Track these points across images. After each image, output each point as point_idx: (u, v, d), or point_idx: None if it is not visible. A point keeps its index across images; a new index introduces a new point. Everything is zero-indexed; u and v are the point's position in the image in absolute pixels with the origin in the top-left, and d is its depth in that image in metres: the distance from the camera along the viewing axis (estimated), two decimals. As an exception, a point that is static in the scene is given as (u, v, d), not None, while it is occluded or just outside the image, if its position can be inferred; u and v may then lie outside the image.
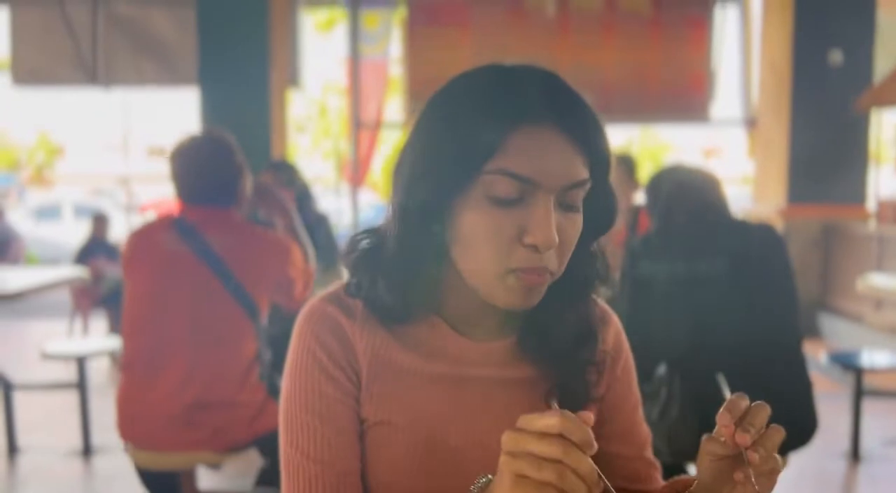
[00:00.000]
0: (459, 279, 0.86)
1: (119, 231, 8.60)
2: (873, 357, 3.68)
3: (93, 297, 5.99)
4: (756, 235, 2.34)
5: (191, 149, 2.17)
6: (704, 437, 0.78)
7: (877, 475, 3.39)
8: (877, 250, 6.01)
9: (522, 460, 0.65)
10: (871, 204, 6.77)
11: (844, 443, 3.53)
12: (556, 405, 0.68)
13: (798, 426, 2.23)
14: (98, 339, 4.90)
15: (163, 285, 2.13)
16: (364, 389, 0.89)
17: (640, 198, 3.46)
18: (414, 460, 0.88)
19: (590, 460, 0.65)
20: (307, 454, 0.87)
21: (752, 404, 0.75)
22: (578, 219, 0.83)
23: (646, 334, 2.15)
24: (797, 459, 2.29)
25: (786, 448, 2.26)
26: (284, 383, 0.90)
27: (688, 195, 2.35)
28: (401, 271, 0.87)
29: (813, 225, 6.49)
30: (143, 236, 2.20)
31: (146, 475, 2.26)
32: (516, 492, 0.66)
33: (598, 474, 0.66)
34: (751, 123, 7.12)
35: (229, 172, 2.17)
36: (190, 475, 2.29)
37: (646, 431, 1.02)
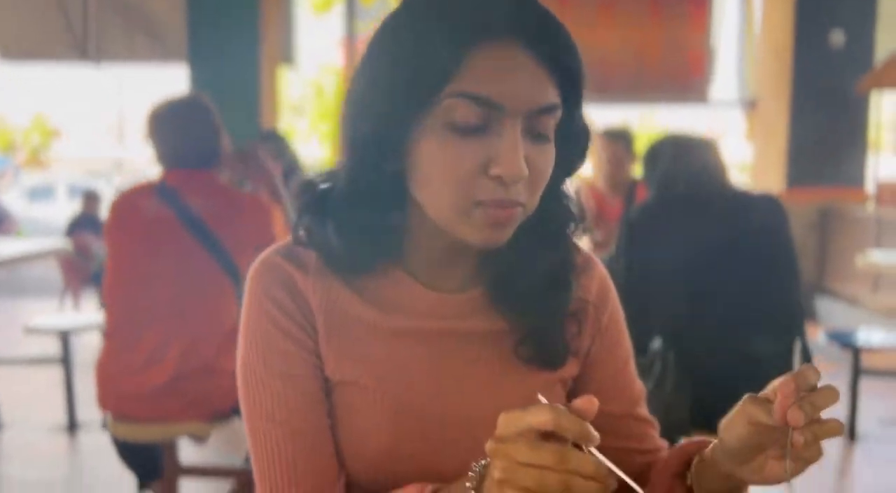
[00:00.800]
0: (422, 225, 0.79)
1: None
2: (871, 336, 3.64)
3: (83, 273, 5.93)
4: (758, 206, 2.27)
5: (167, 112, 2.13)
6: (747, 396, 0.69)
7: (873, 454, 3.35)
8: (875, 232, 5.96)
9: (517, 471, 0.58)
10: (870, 187, 6.71)
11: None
12: (542, 398, 0.62)
13: None
14: (85, 314, 4.85)
15: (144, 251, 2.10)
16: (323, 346, 0.82)
17: (637, 172, 3.41)
18: (382, 421, 0.81)
19: (593, 456, 0.58)
20: (272, 418, 0.80)
21: (824, 386, 0.66)
22: (550, 150, 0.75)
23: (642, 305, 2.09)
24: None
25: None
26: (240, 345, 0.83)
27: (687, 163, 2.28)
28: (353, 215, 0.79)
29: (811, 208, 6.43)
30: (124, 202, 2.16)
31: (126, 449, 2.21)
32: None
33: (610, 467, 0.59)
34: (750, 105, 7.04)
35: (207, 133, 2.13)
36: (172, 448, 2.24)
37: (639, 386, 0.94)
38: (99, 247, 5.76)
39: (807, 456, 0.66)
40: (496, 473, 0.59)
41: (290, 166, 3.40)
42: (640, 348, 2.35)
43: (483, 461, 0.64)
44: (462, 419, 0.82)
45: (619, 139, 3.36)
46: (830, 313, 6.20)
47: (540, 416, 0.58)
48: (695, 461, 0.80)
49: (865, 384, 3.57)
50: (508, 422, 0.59)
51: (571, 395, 0.90)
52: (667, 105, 7.75)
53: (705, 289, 2.17)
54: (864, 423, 3.53)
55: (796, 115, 6.48)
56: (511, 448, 0.58)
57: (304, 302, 0.82)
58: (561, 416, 0.57)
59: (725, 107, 7.50)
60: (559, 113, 0.74)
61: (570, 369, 0.88)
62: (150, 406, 2.06)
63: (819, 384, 0.66)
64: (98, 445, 3.36)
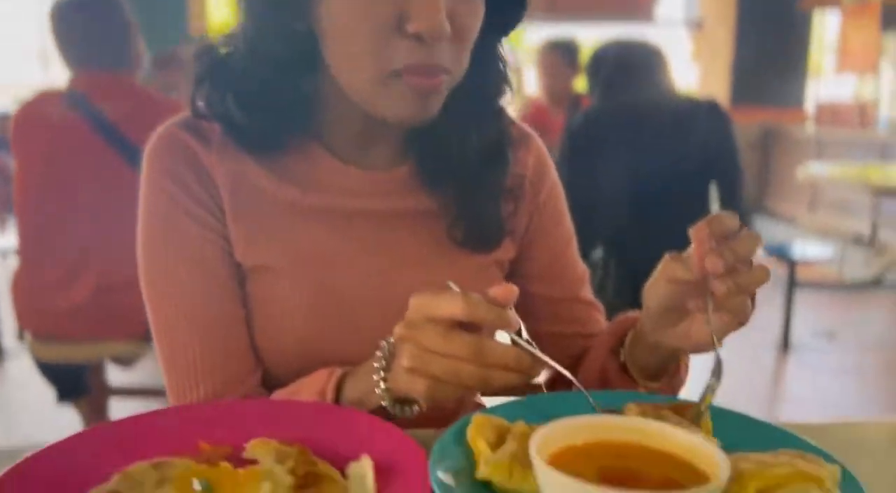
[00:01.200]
0: (338, 95, 0.69)
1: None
2: (805, 250, 3.71)
3: (3, 197, 5.62)
4: (703, 113, 2.22)
5: (70, 7, 1.93)
6: (667, 255, 0.63)
7: (805, 363, 3.45)
8: (815, 151, 6.04)
9: (426, 359, 0.54)
10: (809, 108, 6.79)
11: (775, 334, 3.57)
12: (453, 285, 0.57)
13: None
14: (7, 238, 4.60)
15: (54, 160, 1.94)
16: (231, 228, 0.73)
17: (580, 86, 3.33)
18: (300, 308, 0.73)
19: (512, 344, 0.54)
20: (178, 309, 0.71)
21: (745, 232, 0.60)
22: (477, 4, 0.66)
23: (584, 215, 2.04)
24: (728, 349, 2.25)
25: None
26: (139, 231, 0.74)
27: (631, 70, 2.21)
28: (255, 83, 0.70)
29: (753, 128, 6.48)
30: (29, 111, 1.99)
31: (50, 370, 2.10)
32: (420, 388, 0.56)
33: (537, 354, 0.55)
34: (696, 25, 6.98)
35: (117, 29, 1.95)
36: (98, 369, 2.14)
37: (581, 269, 0.88)
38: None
39: (732, 308, 0.60)
40: (405, 360, 0.55)
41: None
42: (582, 256, 2.32)
43: (390, 339, 0.60)
44: (386, 305, 0.74)
45: (558, 49, 3.26)
46: (769, 231, 6.33)
47: (451, 304, 0.53)
48: (629, 336, 0.75)
49: (800, 297, 3.65)
50: (418, 307, 0.55)
51: (509, 278, 0.84)
52: (613, 24, 7.66)
53: (648, 198, 2.13)
54: (797, 334, 3.62)
55: (741, 35, 6.47)
56: (420, 335, 0.54)
57: (209, 179, 0.73)
58: (474, 305, 0.53)
59: (671, 26, 7.43)
60: None
61: (507, 250, 0.82)
62: (73, 324, 1.95)
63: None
64: (27, 373, 3.24)
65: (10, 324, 3.37)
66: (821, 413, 2.84)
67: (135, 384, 2.57)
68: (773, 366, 3.43)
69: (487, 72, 0.75)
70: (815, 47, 6.89)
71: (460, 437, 0.53)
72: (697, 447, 0.45)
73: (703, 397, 0.59)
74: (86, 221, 1.93)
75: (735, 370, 3.39)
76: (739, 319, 0.61)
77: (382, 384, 0.60)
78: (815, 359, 3.49)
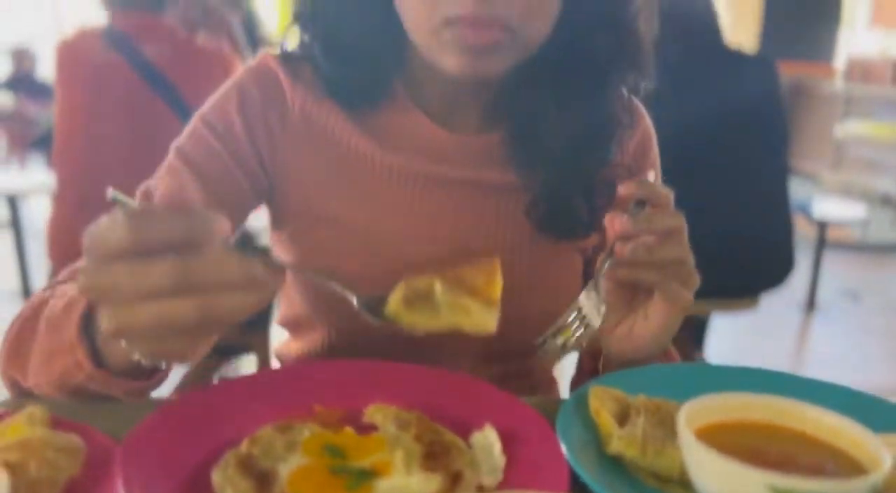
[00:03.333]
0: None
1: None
2: (832, 209, 3.68)
3: (25, 138, 5.61)
4: (751, 73, 2.15)
5: None
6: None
7: (831, 322, 3.44)
8: (842, 108, 5.93)
9: (130, 313, 0.39)
10: (839, 63, 6.63)
11: (801, 294, 3.56)
12: (118, 197, 0.44)
13: (775, 266, 2.17)
14: (32, 177, 4.60)
15: (95, 101, 1.92)
16: (284, 162, 0.71)
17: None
18: (358, 268, 0.70)
19: (245, 258, 0.40)
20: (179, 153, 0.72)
21: (666, 212, 0.57)
22: None
23: None
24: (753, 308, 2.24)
25: (760, 288, 2.20)
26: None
27: (677, 16, 2.12)
28: (340, 32, 0.67)
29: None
30: (70, 48, 1.96)
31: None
32: (141, 349, 0.43)
33: (270, 261, 0.46)
34: (727, -27, 6.78)
35: None
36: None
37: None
38: (38, 112, 5.41)
39: (663, 291, 0.58)
40: (104, 322, 0.40)
41: (250, 17, 3.16)
42: None
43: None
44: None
45: None
46: (791, 189, 6.27)
47: (117, 233, 0.39)
48: (601, 360, 0.71)
49: (825, 257, 3.62)
50: (89, 247, 0.40)
51: (589, 263, 0.78)
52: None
53: (692, 153, 2.09)
54: (823, 294, 3.61)
55: (772, -15, 6.29)
56: (106, 280, 0.39)
57: (278, 109, 0.71)
58: (144, 224, 0.39)
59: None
60: None
61: (592, 238, 0.76)
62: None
63: None
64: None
65: (38, 263, 3.39)
66: (847, 375, 2.85)
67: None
68: (798, 326, 3.42)
69: (599, 40, 0.67)
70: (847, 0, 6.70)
71: (580, 407, 0.52)
72: (848, 429, 0.44)
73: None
74: (125, 167, 1.92)
75: (760, 329, 3.41)
76: (679, 304, 0.59)
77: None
78: (839, 319, 3.48)
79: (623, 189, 0.57)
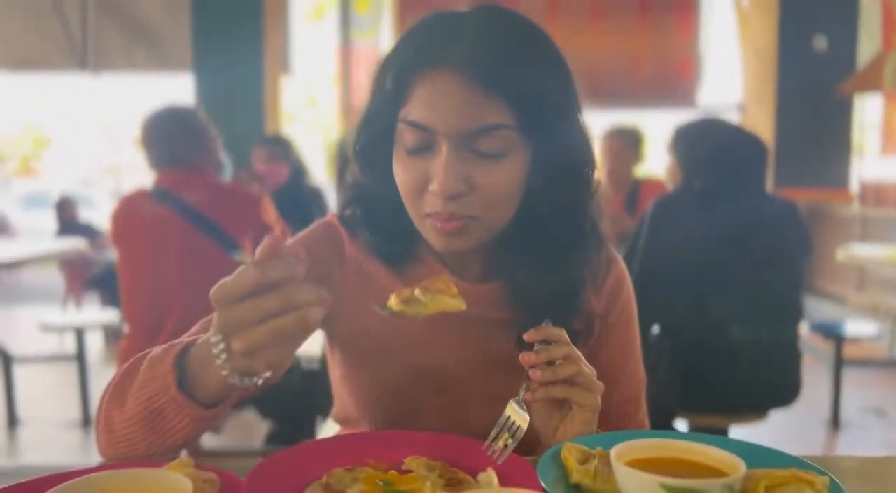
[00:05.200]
0: None
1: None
2: (854, 327, 3.80)
3: (83, 277, 6.03)
4: (776, 209, 2.30)
5: (154, 118, 2.31)
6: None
7: (856, 440, 3.51)
8: (860, 231, 6.14)
9: (253, 334, 0.61)
10: (854, 187, 6.89)
11: (825, 411, 3.64)
12: (243, 258, 0.69)
13: (782, 387, 2.28)
14: (94, 312, 4.95)
15: (152, 247, 2.26)
16: (346, 303, 0.94)
17: (642, 172, 3.49)
18: (377, 383, 0.95)
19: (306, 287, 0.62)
20: None
21: (560, 344, 0.79)
22: (497, 167, 0.80)
23: (649, 294, 2.06)
24: (781, 423, 2.34)
25: (768, 406, 2.33)
26: None
27: (728, 161, 2.23)
28: (372, 212, 0.93)
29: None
30: (124, 208, 2.32)
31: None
32: (260, 363, 0.64)
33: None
34: (738, 109, 7.22)
35: (192, 133, 2.30)
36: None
37: (640, 376, 1.02)
38: (94, 252, 5.86)
39: (578, 400, 0.78)
40: (236, 345, 0.61)
41: (297, 169, 3.55)
42: (642, 333, 2.33)
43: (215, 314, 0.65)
44: (454, 395, 0.96)
45: (622, 135, 3.40)
46: (817, 310, 6.37)
47: (246, 277, 0.60)
48: None
49: (848, 375, 3.73)
50: (220, 296, 0.61)
51: None
52: (655, 110, 7.93)
53: (713, 286, 2.21)
54: (846, 411, 3.69)
55: (781, 118, 6.66)
56: (237, 313, 0.60)
57: (341, 265, 0.96)
58: (265, 267, 0.60)
59: (713, 111, 7.66)
60: (506, 132, 0.79)
61: None
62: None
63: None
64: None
65: (96, 393, 3.64)
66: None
67: (225, 447, 2.80)
68: (823, 443, 3.49)
69: (563, 219, 0.89)
70: (858, 129, 7.04)
71: (555, 457, 0.74)
72: (727, 458, 0.65)
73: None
74: (184, 295, 2.23)
75: (785, 447, 3.46)
76: (588, 406, 0.79)
77: (226, 366, 0.65)
78: (865, 436, 3.55)
79: (527, 336, 0.80)
